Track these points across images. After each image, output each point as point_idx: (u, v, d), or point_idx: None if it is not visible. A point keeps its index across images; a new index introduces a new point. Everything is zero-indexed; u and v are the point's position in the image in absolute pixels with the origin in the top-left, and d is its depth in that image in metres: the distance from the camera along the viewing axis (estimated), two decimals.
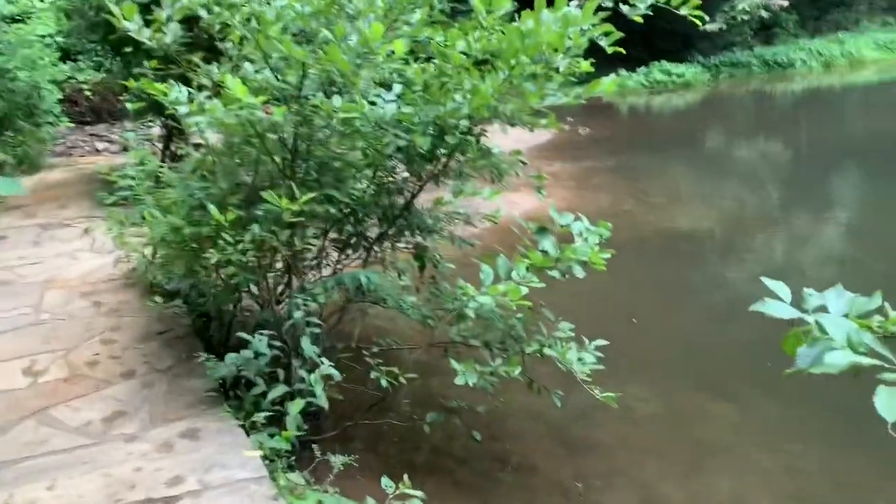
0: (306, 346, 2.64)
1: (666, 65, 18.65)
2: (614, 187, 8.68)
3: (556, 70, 2.64)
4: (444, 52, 2.63)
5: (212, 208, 2.63)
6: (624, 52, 2.65)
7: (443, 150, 2.88)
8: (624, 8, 2.88)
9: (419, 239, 3.60)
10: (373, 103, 2.61)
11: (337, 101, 2.45)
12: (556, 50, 2.58)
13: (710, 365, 4.59)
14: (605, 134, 12.11)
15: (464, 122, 2.73)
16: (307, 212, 2.63)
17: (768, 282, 1.34)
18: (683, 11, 2.90)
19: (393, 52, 2.47)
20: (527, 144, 6.93)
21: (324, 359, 2.65)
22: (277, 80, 2.64)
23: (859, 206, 8.47)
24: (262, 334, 2.74)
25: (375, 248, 3.33)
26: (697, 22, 2.94)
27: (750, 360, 4.33)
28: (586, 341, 2.90)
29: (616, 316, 5.10)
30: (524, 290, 2.51)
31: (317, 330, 2.76)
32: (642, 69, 18.28)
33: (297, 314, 2.71)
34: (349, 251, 3.36)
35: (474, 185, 3.15)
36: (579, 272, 2.62)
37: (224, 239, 2.62)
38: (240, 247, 2.64)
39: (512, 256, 2.66)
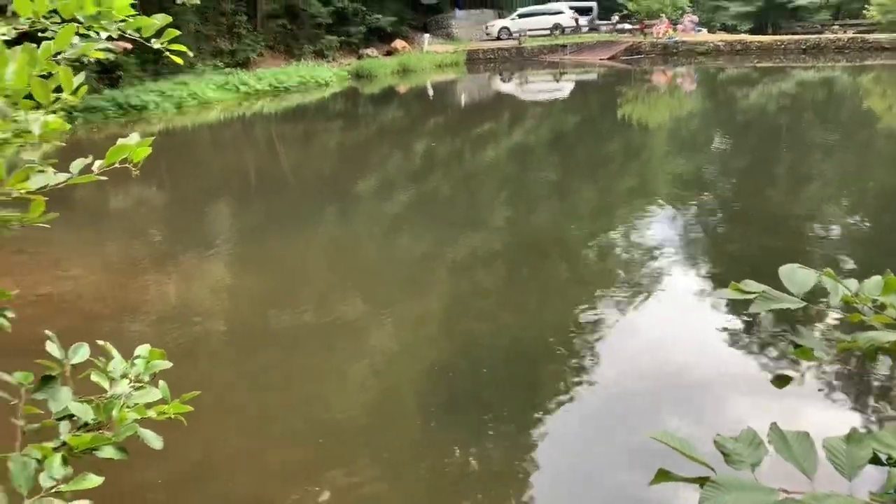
0: None
1: None
2: (6, 266, 7.19)
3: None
4: None
5: None
6: None
7: None
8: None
9: None
10: None
11: None
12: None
13: None
14: None
15: None
16: None
17: None
18: (157, 45, 2.38)
19: None
20: None
21: None
22: None
23: (239, 239, 9.11)
24: None
25: None
26: (177, 59, 2.46)
27: None
28: None
29: None
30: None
31: None
32: None
33: None
34: None
35: None
36: (154, 441, 1.46)
37: None
38: None
39: None
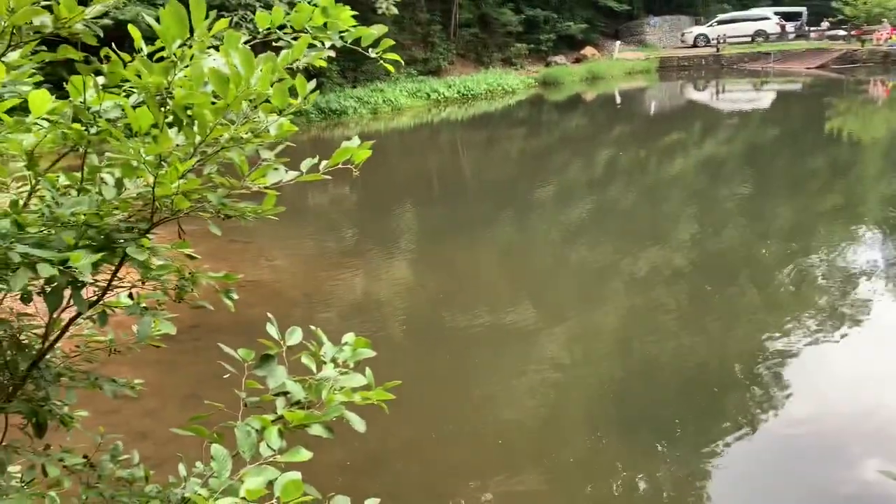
0: None
1: None
2: (224, 253, 7.99)
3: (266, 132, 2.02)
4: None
5: None
6: None
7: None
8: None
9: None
10: None
11: None
12: (264, 103, 1.95)
13: None
14: None
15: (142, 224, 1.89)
16: None
17: None
18: (374, 54, 2.54)
19: None
20: None
21: None
22: None
23: (420, 240, 9.40)
24: None
25: None
26: (390, 67, 2.62)
27: None
28: None
29: None
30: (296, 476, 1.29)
31: None
32: None
33: None
34: None
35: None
36: (358, 424, 1.50)
37: None
38: None
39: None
